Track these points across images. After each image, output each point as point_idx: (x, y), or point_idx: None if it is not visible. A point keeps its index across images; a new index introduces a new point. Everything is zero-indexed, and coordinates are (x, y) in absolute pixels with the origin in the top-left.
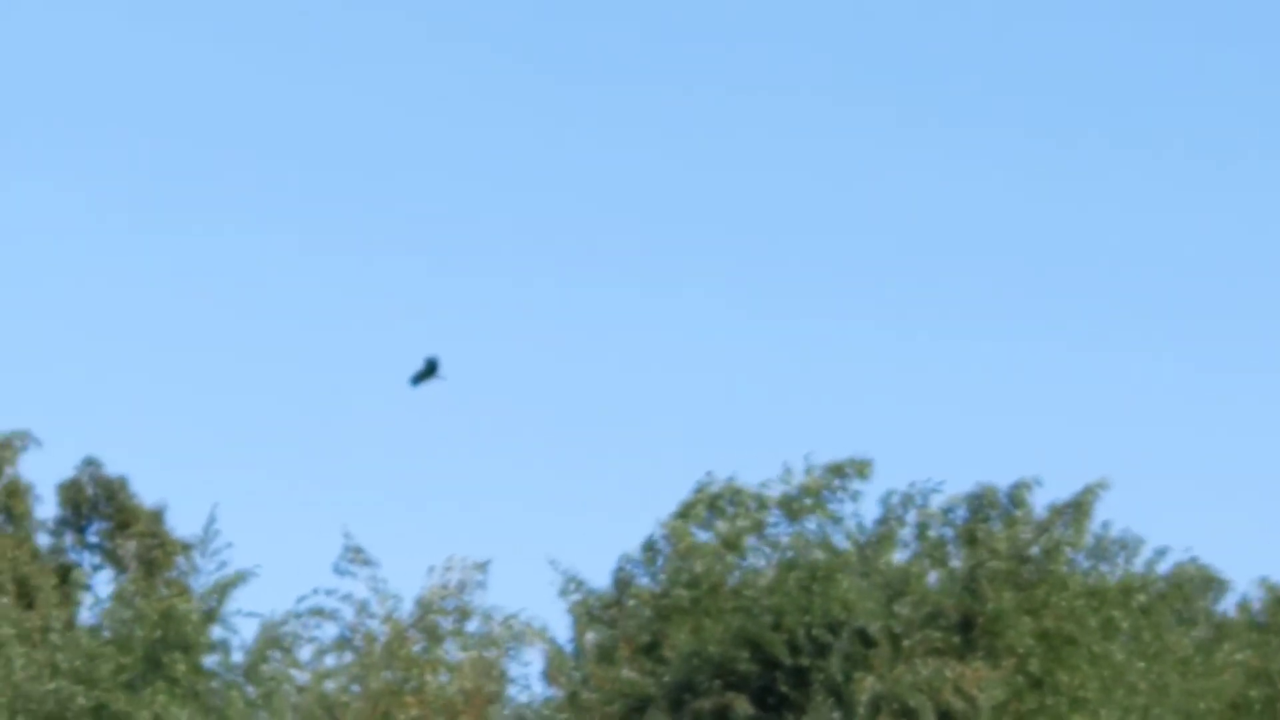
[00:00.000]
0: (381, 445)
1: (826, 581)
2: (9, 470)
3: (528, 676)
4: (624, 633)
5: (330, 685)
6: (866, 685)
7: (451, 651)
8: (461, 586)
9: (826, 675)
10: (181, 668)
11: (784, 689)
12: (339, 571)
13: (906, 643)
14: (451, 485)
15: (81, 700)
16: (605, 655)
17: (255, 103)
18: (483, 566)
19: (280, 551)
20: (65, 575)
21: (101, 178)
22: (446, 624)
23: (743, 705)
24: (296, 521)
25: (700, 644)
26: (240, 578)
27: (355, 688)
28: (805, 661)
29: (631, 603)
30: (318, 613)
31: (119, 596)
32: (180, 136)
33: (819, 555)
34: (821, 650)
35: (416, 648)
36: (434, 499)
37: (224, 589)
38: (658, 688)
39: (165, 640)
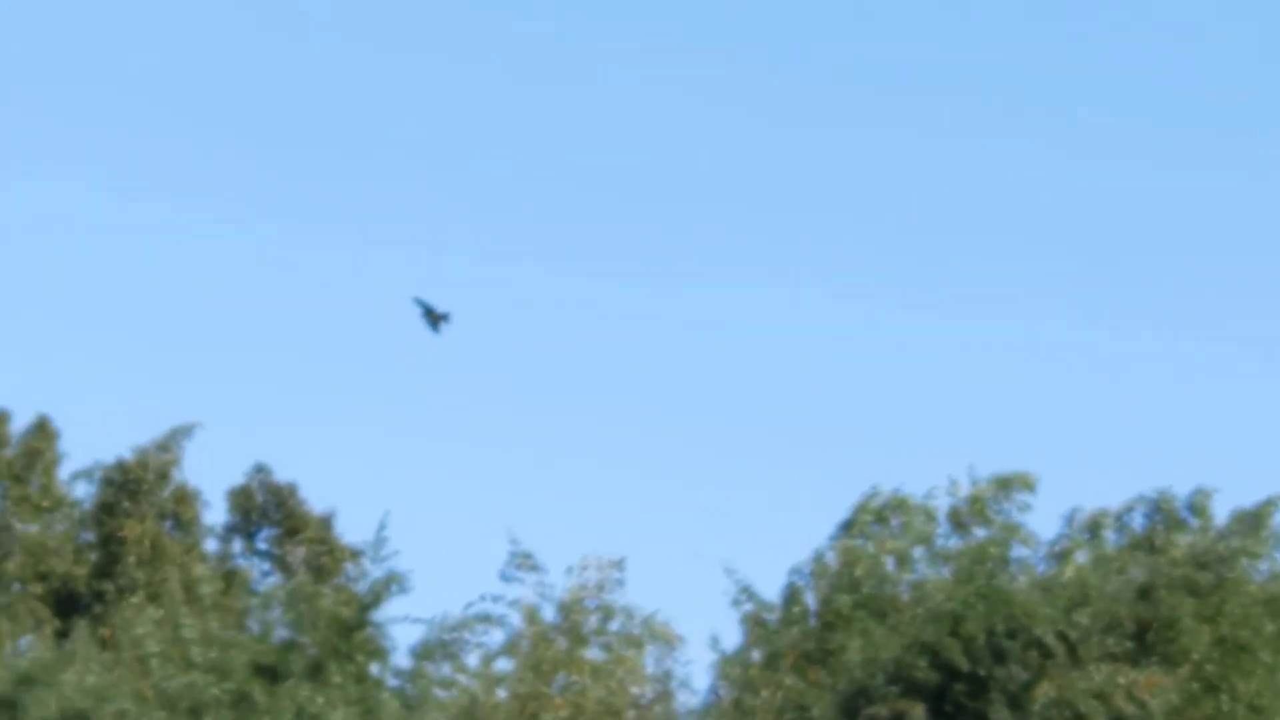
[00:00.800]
0: (549, 450)
1: (1006, 590)
2: (177, 475)
3: (688, 678)
4: (791, 641)
5: (472, 684)
6: (1042, 692)
7: (594, 651)
8: (600, 586)
9: (1003, 682)
10: (338, 671)
11: (961, 696)
12: (505, 578)
13: (1082, 650)
14: (613, 490)
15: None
16: (772, 663)
17: (447, 115)
18: (619, 564)
19: (449, 557)
20: (232, 581)
21: (263, 187)
22: (590, 624)
23: (919, 712)
24: (465, 526)
25: (875, 651)
26: (395, 579)
27: (502, 692)
28: (983, 669)
29: (796, 609)
30: (485, 619)
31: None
32: (347, 144)
33: (997, 564)
34: (999, 657)
35: (564, 648)
36: (597, 503)
37: (378, 591)
38: (830, 695)
39: (333, 644)
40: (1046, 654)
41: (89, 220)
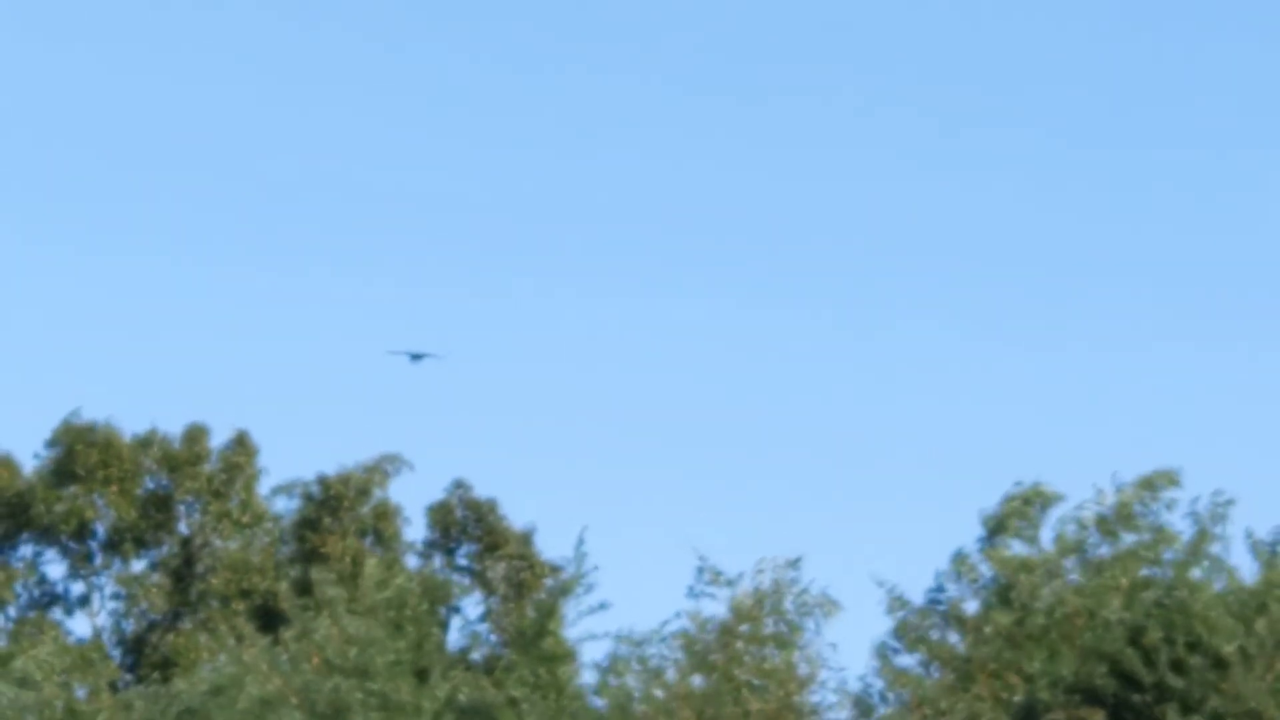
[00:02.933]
0: (738, 466)
1: (1186, 599)
2: (379, 493)
3: (843, 681)
4: (956, 653)
5: (659, 695)
6: (1219, 703)
7: (771, 653)
8: (776, 587)
9: (1181, 692)
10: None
11: (1139, 706)
12: (693, 595)
13: (1260, 660)
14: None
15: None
16: (935, 675)
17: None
18: (795, 563)
19: (649, 572)
20: (433, 597)
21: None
22: (768, 627)
23: (1098, 718)
24: (664, 541)
25: (1054, 665)
26: (574, 583)
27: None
28: (1161, 679)
29: (953, 618)
30: (681, 636)
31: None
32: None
33: (1172, 573)
34: (1177, 667)
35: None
36: (777, 512)
37: (557, 596)
38: (1005, 706)
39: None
40: (1222, 664)
41: (281, 238)
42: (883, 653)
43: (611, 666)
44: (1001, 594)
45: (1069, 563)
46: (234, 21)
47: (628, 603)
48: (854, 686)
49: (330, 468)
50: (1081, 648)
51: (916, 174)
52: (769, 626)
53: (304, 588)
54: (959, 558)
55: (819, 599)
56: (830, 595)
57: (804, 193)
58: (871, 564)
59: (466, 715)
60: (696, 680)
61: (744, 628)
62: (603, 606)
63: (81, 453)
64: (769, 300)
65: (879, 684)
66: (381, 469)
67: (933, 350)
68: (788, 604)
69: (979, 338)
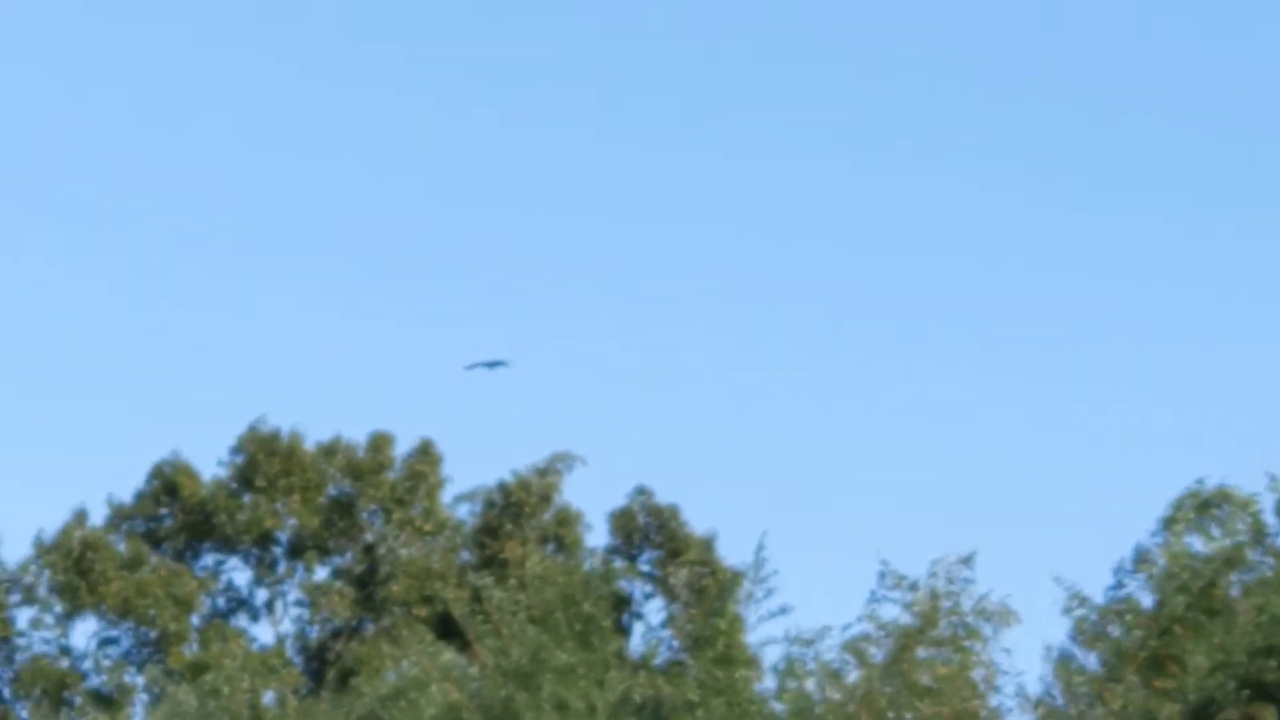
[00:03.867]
0: (919, 465)
1: None
2: (559, 499)
3: (1022, 685)
4: (1133, 648)
5: (836, 696)
6: None
7: (948, 657)
8: (950, 588)
9: None
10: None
11: None
12: (875, 599)
13: None
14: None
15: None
16: (1114, 672)
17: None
18: (968, 560)
19: (830, 577)
20: (616, 604)
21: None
22: (944, 629)
23: (1270, 714)
24: (846, 546)
25: (1225, 656)
26: (737, 579)
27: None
28: None
29: (1130, 615)
30: (861, 640)
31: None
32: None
33: None
34: None
35: (926, 653)
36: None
37: (730, 595)
38: (1177, 702)
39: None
40: None
41: (458, 240)
42: (1060, 653)
43: (789, 670)
44: (1180, 589)
45: (1253, 555)
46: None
47: (812, 607)
48: (1034, 689)
49: (509, 473)
50: (1253, 644)
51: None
52: (945, 629)
53: (480, 594)
54: (1140, 553)
55: (997, 607)
56: (1006, 603)
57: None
58: (1042, 562)
59: (642, 716)
60: (875, 685)
61: (924, 631)
62: (783, 610)
63: (264, 461)
64: (952, 310)
65: (1057, 685)
66: (555, 467)
67: (1108, 348)
68: (963, 605)
69: (1157, 336)
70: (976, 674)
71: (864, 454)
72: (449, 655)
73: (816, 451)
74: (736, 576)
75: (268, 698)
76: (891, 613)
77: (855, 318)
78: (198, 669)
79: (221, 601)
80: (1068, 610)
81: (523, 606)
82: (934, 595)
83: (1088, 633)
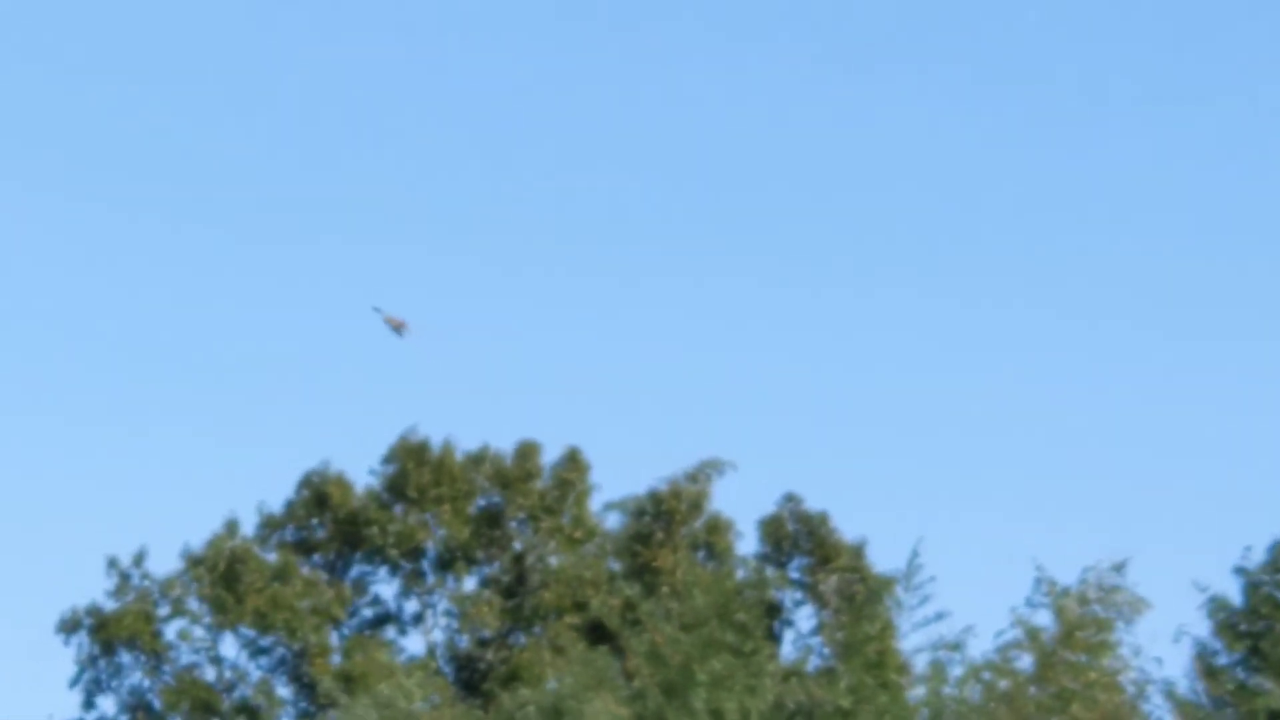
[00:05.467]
0: (1071, 469)
1: None
2: (710, 507)
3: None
4: (1269, 652)
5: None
6: None
7: (1096, 661)
8: (1100, 593)
9: None
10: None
11: None
12: (1031, 604)
13: None
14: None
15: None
16: (1259, 673)
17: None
18: (1120, 567)
19: (985, 584)
20: (767, 611)
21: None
22: (1093, 634)
23: None
24: (999, 551)
25: None
26: (888, 584)
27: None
28: None
29: (1265, 611)
30: (1013, 645)
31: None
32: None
33: None
34: None
35: (1079, 658)
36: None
37: (873, 597)
38: None
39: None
40: None
41: (604, 250)
42: (1203, 654)
43: (941, 676)
44: None
45: None
46: None
47: (966, 611)
48: (1169, 681)
49: (658, 480)
50: None
51: None
52: (1094, 634)
53: (632, 602)
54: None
55: (1129, 597)
56: (1136, 592)
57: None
58: (1180, 565)
59: None
60: (1023, 691)
61: (1070, 636)
62: (938, 617)
63: (414, 472)
64: (1087, 307)
65: (1201, 687)
66: (704, 472)
67: (1247, 350)
68: (1112, 611)
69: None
70: (1125, 677)
71: (1017, 456)
72: (607, 663)
73: (968, 455)
74: (887, 582)
75: (420, 706)
76: (1041, 618)
77: (1005, 320)
78: (343, 681)
79: (369, 613)
80: (1210, 615)
81: (675, 614)
82: (1082, 601)
83: (1229, 634)
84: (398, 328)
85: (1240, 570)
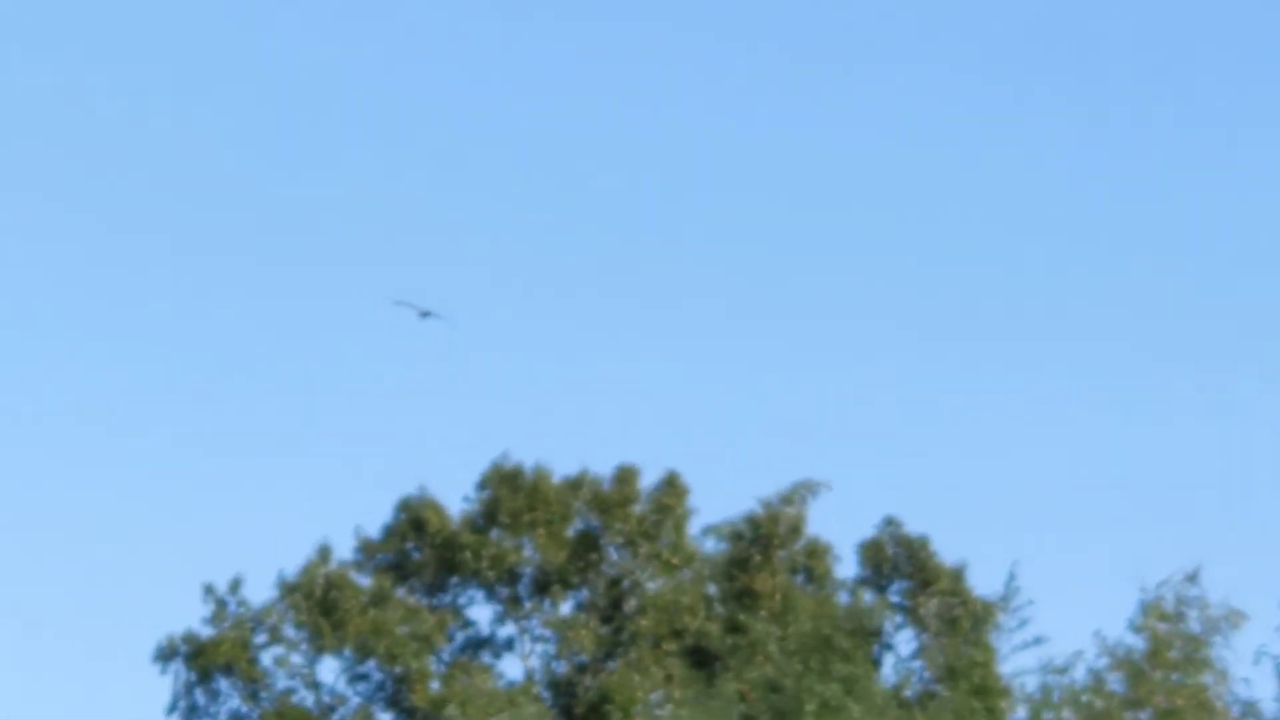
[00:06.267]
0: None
1: None
2: (809, 531)
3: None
4: None
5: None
6: None
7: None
8: (1179, 606)
9: None
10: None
11: None
12: (1135, 629)
13: None
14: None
15: None
16: None
17: None
18: (1194, 577)
19: (1083, 607)
20: (867, 636)
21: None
22: (1179, 650)
23: None
24: (1100, 576)
25: None
26: (991, 610)
27: None
28: None
29: None
30: (1118, 666)
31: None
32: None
33: None
34: None
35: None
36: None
37: (977, 622)
38: None
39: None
40: None
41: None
42: None
43: (1044, 699)
44: None
45: None
46: None
47: (1064, 635)
48: (1270, 711)
49: (755, 502)
50: None
51: None
52: (1180, 649)
53: (733, 626)
54: None
55: (1224, 610)
56: (1232, 605)
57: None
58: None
59: None
60: (1116, 712)
61: (1158, 654)
62: (1037, 641)
63: (507, 497)
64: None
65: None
66: (800, 494)
67: None
68: (1194, 624)
69: None
70: (1215, 692)
71: (1114, 479)
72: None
73: (1067, 478)
74: (991, 607)
75: None
76: (1131, 640)
77: (1101, 349)
78: (440, 706)
79: (464, 638)
80: None
81: (775, 638)
82: (1165, 617)
83: None
84: (425, 314)
85: None
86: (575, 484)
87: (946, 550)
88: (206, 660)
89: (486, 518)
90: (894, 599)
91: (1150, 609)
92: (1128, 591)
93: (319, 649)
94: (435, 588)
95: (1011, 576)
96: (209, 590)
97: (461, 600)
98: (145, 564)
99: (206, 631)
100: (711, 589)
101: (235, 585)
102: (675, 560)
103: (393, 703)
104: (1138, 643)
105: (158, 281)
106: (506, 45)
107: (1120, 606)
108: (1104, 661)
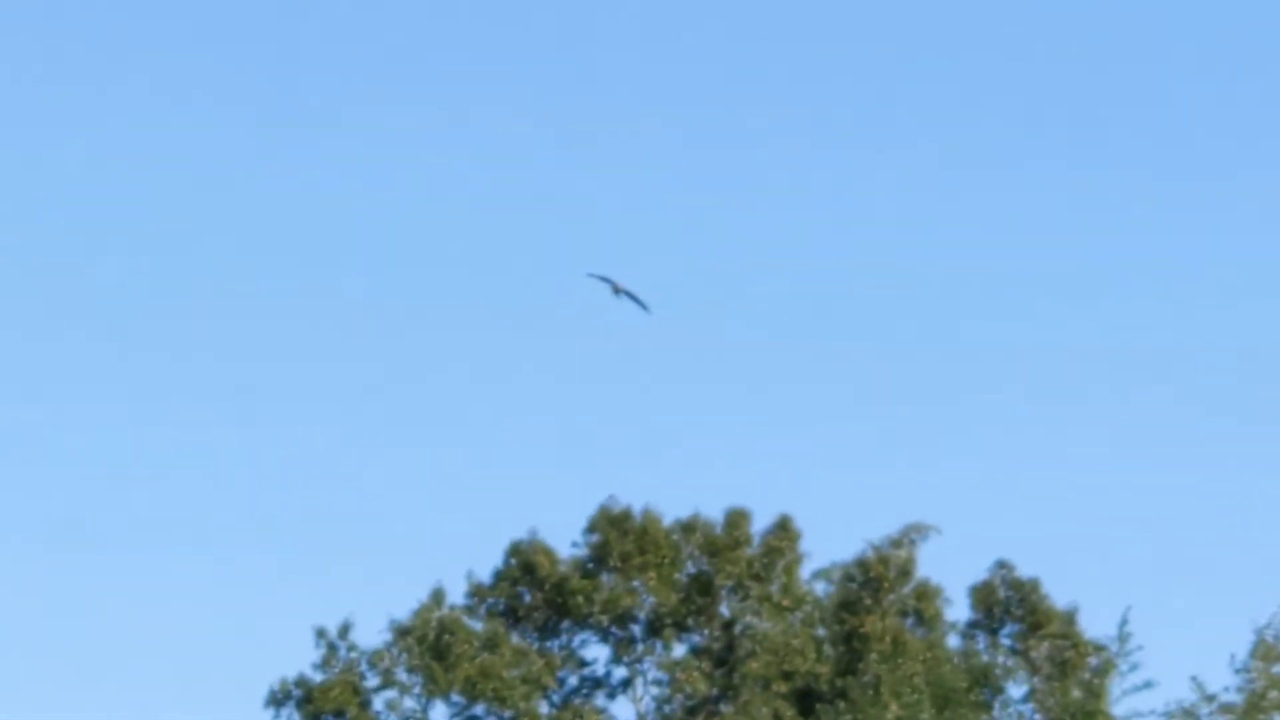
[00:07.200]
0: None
1: None
2: (918, 573)
3: None
4: None
5: None
6: None
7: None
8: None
9: None
10: None
11: None
12: (1239, 669)
13: None
14: None
15: None
16: None
17: None
18: None
19: (1198, 651)
20: (979, 679)
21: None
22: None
23: None
24: (1210, 618)
25: None
26: (1107, 656)
27: None
28: None
29: None
30: (1229, 709)
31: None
32: None
33: None
34: None
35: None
36: None
37: (1103, 674)
38: None
39: None
40: None
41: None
42: None
43: None
44: None
45: None
46: None
47: (1176, 679)
48: None
49: (864, 544)
50: None
51: None
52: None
53: (844, 668)
54: None
55: None
56: None
57: None
58: None
59: None
60: None
61: (1263, 697)
62: (1148, 685)
63: (616, 541)
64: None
65: None
66: (909, 537)
67: None
68: None
69: None
70: None
71: (1228, 522)
72: None
73: (1180, 522)
74: (1105, 651)
75: None
76: (1234, 681)
77: (1210, 385)
78: None
79: (576, 680)
80: None
81: (887, 682)
82: (1271, 656)
83: None
84: (619, 291)
85: None
86: (688, 527)
87: (1058, 593)
88: (317, 705)
89: (596, 561)
90: (1005, 642)
91: (1259, 650)
92: (1240, 633)
93: (431, 693)
94: (547, 631)
95: (1124, 620)
96: (320, 634)
97: (573, 643)
98: (257, 609)
99: (318, 676)
100: (821, 631)
101: (345, 630)
102: (786, 603)
103: None
104: (1236, 683)
105: (282, 326)
106: None
107: (1229, 647)
108: (1210, 707)
